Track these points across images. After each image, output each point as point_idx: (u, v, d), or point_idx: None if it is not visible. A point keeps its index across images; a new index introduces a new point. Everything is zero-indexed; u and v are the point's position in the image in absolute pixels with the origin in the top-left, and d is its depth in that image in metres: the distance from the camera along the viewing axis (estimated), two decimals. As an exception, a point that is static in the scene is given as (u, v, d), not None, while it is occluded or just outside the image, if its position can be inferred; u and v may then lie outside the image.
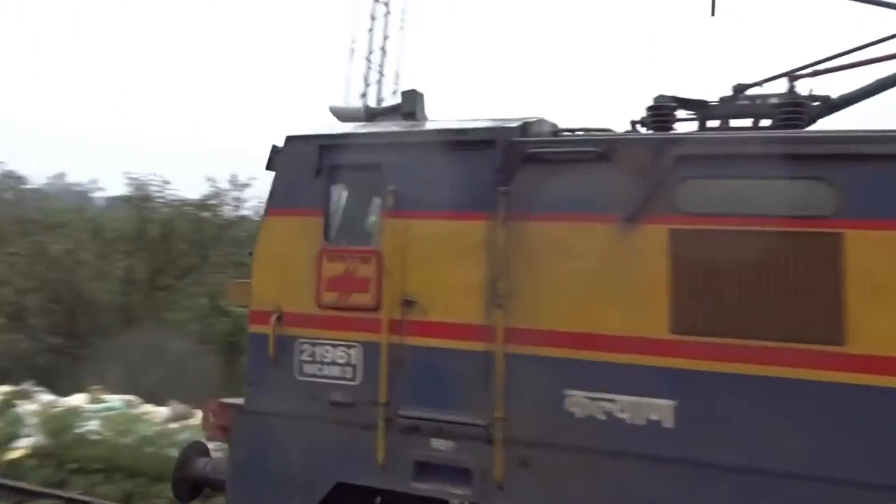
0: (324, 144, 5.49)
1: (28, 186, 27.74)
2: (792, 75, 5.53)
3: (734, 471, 4.24)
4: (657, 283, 4.48)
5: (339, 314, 5.24)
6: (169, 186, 19.84)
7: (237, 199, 20.01)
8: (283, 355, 5.32)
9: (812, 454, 4.10)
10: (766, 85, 5.49)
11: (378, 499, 5.59)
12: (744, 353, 4.28)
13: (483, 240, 4.94)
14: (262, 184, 17.26)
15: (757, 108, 5.24)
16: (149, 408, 12.45)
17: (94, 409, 12.01)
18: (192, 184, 28.47)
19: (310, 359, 5.28)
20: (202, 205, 19.90)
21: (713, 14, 6.35)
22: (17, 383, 13.90)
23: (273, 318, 5.32)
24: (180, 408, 11.98)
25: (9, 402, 12.56)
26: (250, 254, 5.70)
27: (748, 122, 5.35)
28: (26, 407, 12.26)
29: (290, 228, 5.49)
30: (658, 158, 4.57)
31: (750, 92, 5.45)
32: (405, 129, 5.58)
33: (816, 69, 5.61)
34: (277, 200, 5.58)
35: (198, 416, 7.90)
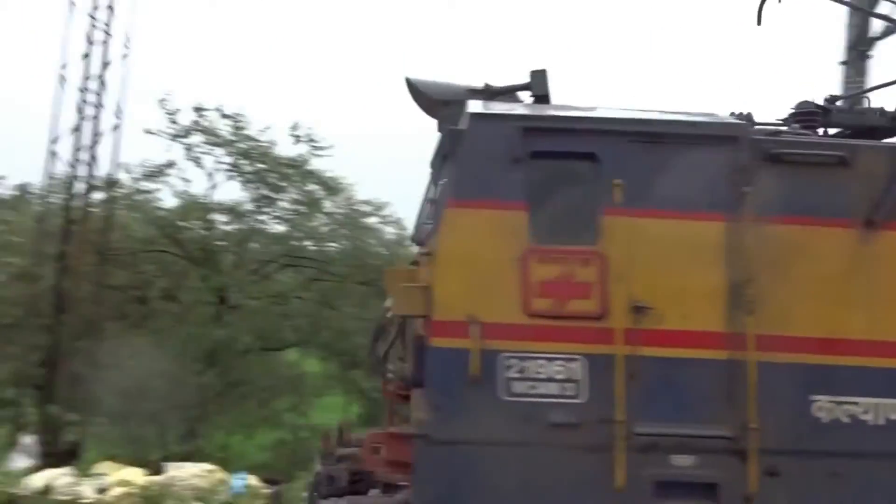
0: (528, 127, 4.74)
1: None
2: None
3: None
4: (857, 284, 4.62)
5: (553, 323, 4.53)
6: None
7: None
8: (484, 373, 4.46)
9: None
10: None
11: None
12: None
13: (722, 242, 4.61)
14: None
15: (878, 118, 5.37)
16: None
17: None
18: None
19: (519, 375, 4.48)
20: None
21: (759, 24, 6.21)
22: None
23: (475, 330, 4.41)
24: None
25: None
26: (424, 250, 4.91)
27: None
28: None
29: (481, 223, 4.61)
30: None
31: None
32: (628, 117, 4.96)
33: None
34: (463, 189, 4.65)
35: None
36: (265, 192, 18.03)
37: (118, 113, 16.14)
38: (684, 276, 4.60)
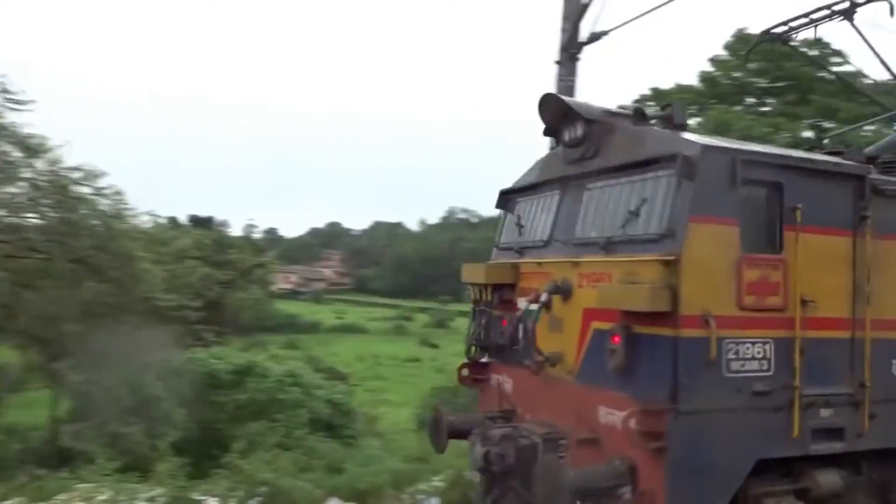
0: (742, 159, 5.98)
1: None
2: None
3: None
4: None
5: (756, 315, 5.91)
6: None
7: None
8: (706, 355, 5.64)
9: None
10: None
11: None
12: None
13: (849, 252, 6.44)
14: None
15: None
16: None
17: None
18: None
19: (734, 356, 5.80)
20: None
21: (892, 14, 8.18)
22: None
23: (713, 322, 5.61)
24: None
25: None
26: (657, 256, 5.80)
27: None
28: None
29: (711, 235, 5.79)
30: None
31: None
32: (802, 156, 6.86)
33: None
34: (699, 208, 5.75)
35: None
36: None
37: None
38: (829, 277, 6.33)
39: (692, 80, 26.00)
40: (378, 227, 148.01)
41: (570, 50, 12.01)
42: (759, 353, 5.92)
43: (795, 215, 6.14)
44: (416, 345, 59.69)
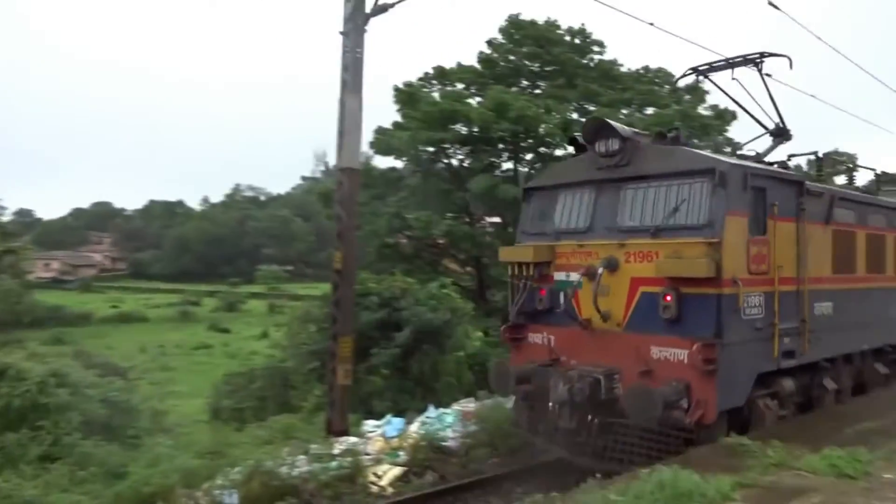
0: (749, 172, 8.89)
1: None
2: None
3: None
4: (827, 251, 10.46)
5: (755, 277, 8.70)
6: None
7: None
8: (736, 306, 8.39)
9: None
10: None
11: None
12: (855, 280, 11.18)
13: (795, 233, 9.54)
14: None
15: None
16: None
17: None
18: None
19: (747, 305, 8.55)
20: None
21: (791, 68, 11.36)
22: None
23: (739, 283, 8.38)
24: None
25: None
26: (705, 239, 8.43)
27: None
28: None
29: (735, 224, 8.49)
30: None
31: None
32: (775, 169, 10.24)
33: None
34: (729, 206, 8.43)
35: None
36: None
37: None
38: (787, 250, 9.35)
39: (473, 60, 27.18)
40: (154, 206, 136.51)
41: (356, 21, 11.92)
42: (757, 302, 8.71)
43: (774, 209, 9.10)
44: (206, 331, 56.51)
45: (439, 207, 24.60)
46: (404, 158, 25.71)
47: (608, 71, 26.34)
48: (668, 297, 8.34)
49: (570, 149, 10.70)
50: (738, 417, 8.77)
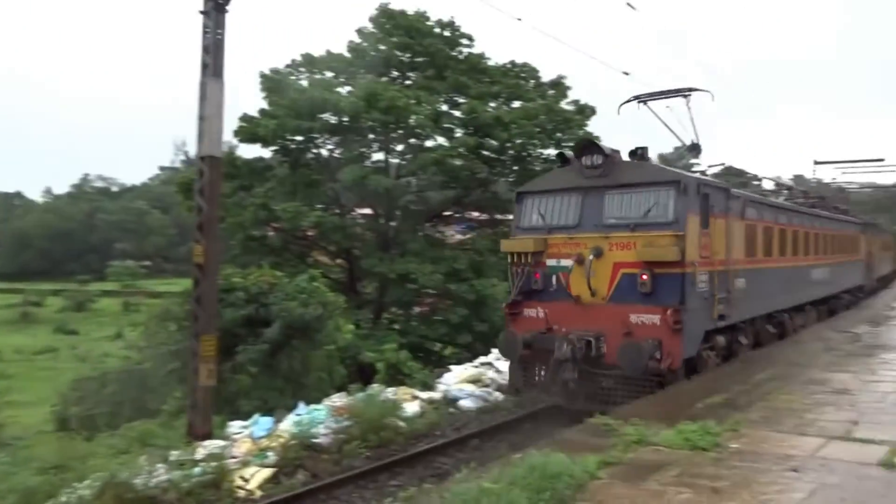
0: (699, 182, 11.48)
1: None
2: None
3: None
4: (741, 240, 12.94)
5: (703, 260, 11.17)
6: None
7: None
8: (694, 281, 10.83)
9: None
10: None
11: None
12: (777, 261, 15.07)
13: (724, 227, 12.01)
14: None
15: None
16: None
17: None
18: None
19: (699, 281, 11.01)
20: None
21: (713, 100, 14.44)
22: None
23: (696, 265, 10.92)
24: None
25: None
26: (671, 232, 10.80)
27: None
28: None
29: (692, 221, 10.94)
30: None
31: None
32: (712, 180, 13.11)
33: None
34: (689, 208, 10.87)
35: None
36: None
37: None
38: (720, 240, 11.79)
39: (343, 48, 26.66)
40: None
41: (216, 0, 11.25)
42: (705, 279, 11.22)
43: (713, 209, 11.55)
44: (51, 333, 51.85)
45: (308, 198, 23.96)
46: (271, 148, 24.79)
47: (476, 64, 26.75)
48: (644, 277, 10.67)
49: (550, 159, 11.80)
50: (690, 365, 11.09)
